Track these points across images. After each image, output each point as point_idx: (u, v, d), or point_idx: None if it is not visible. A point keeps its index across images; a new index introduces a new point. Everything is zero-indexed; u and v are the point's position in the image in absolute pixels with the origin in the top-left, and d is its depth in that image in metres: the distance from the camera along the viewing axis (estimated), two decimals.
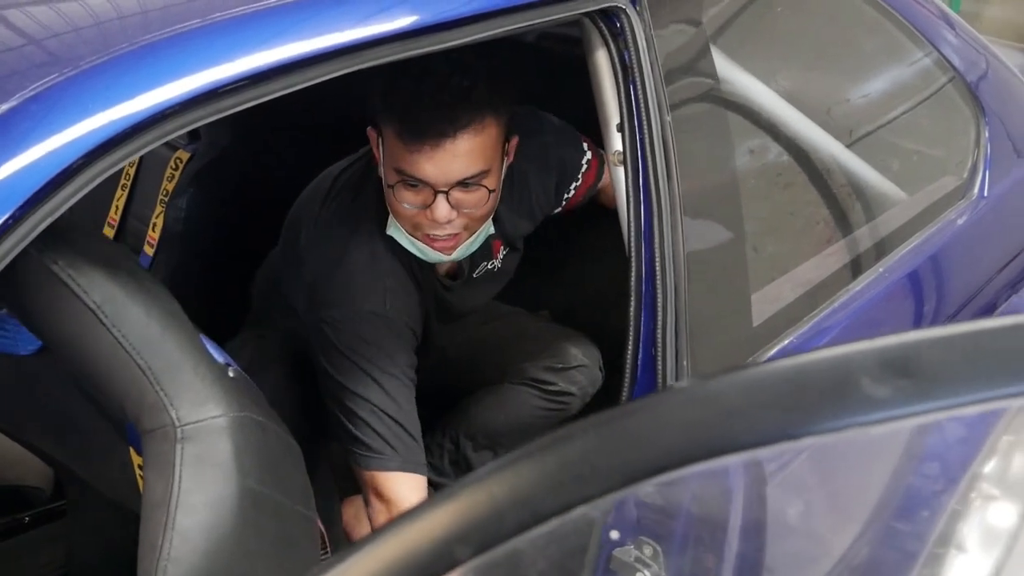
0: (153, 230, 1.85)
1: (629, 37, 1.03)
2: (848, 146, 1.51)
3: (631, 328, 1.04)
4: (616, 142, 1.08)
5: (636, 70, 1.03)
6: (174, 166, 1.86)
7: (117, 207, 1.98)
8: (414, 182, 1.16)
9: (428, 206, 1.17)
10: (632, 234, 1.04)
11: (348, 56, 0.87)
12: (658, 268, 1.02)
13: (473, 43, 0.97)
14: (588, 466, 0.36)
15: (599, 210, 1.49)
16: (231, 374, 0.84)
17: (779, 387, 0.36)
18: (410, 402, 1.28)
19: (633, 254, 1.04)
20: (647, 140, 1.03)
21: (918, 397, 0.34)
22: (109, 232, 1.98)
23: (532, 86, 1.69)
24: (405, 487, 1.26)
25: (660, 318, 1.02)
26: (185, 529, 0.74)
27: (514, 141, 1.26)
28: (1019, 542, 1.98)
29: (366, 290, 1.26)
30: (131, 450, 0.92)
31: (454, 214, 1.18)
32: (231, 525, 0.75)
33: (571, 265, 1.74)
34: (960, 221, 1.51)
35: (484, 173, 1.17)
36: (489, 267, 1.43)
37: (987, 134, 1.58)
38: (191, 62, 0.79)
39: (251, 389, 0.87)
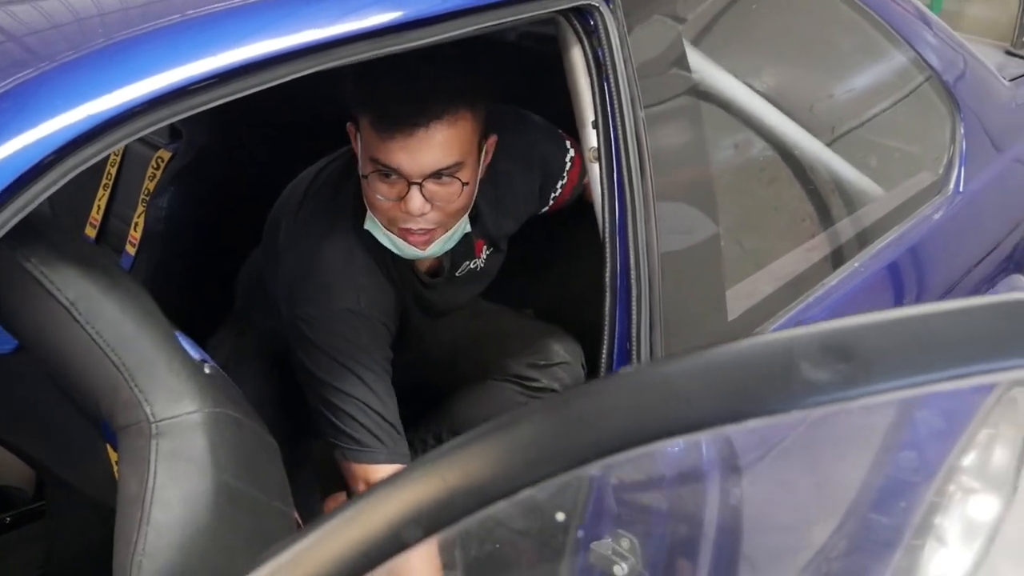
0: (135, 230, 1.85)
1: (603, 35, 1.04)
2: (828, 144, 1.53)
3: (606, 323, 1.05)
4: (592, 139, 1.09)
5: (609, 67, 1.04)
6: (155, 165, 1.86)
7: (99, 207, 1.98)
8: (388, 172, 1.17)
9: (402, 198, 1.18)
10: (607, 230, 1.05)
11: (321, 54, 0.87)
12: (632, 263, 1.03)
13: (448, 41, 0.97)
14: (536, 449, 0.37)
15: (583, 208, 1.50)
16: (207, 371, 0.84)
17: (722, 372, 0.37)
18: (390, 395, 1.29)
19: (608, 249, 1.05)
20: (621, 136, 1.04)
21: (857, 381, 0.35)
22: (91, 232, 1.98)
23: (515, 85, 1.70)
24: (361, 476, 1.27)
25: (634, 313, 1.03)
26: (160, 524, 0.74)
27: (492, 140, 1.26)
28: (1000, 534, 2.00)
29: (340, 288, 1.26)
30: (108, 447, 0.93)
31: (428, 207, 1.18)
32: (206, 520, 0.76)
33: (555, 263, 1.75)
34: (936, 216, 1.52)
35: (458, 165, 1.17)
36: (472, 266, 1.43)
37: (962, 131, 1.60)
38: (162, 59, 0.79)
39: (227, 386, 0.87)
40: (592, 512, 1.02)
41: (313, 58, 0.86)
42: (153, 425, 0.77)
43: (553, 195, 1.46)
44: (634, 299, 1.03)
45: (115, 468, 0.87)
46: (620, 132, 1.04)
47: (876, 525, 1.54)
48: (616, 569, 1.01)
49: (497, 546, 1.21)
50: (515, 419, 0.39)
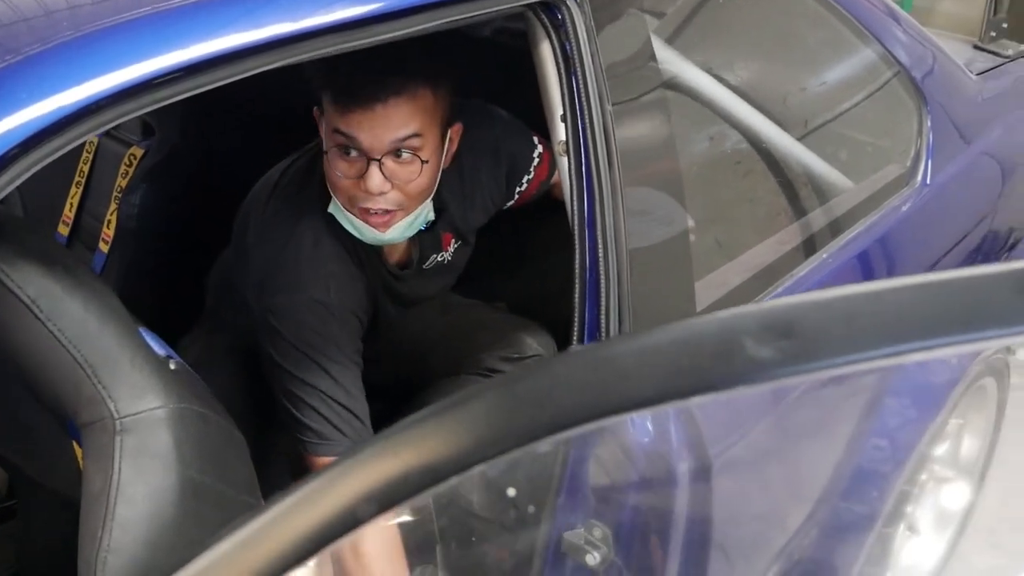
0: (108, 227, 1.84)
1: (570, 29, 1.05)
2: (800, 138, 1.54)
3: (576, 314, 1.06)
4: (561, 132, 1.10)
5: (577, 61, 1.05)
6: (128, 162, 1.85)
7: (72, 204, 1.96)
8: (348, 148, 1.17)
9: (362, 176, 1.17)
10: (576, 222, 1.06)
11: (288, 47, 0.87)
12: (601, 255, 1.04)
13: (415, 35, 0.98)
14: (488, 426, 0.38)
15: (555, 203, 1.51)
16: (172, 366, 0.84)
17: (668, 350, 0.38)
18: (357, 387, 1.29)
19: (577, 242, 1.06)
20: (589, 130, 1.05)
21: (799, 357, 0.36)
22: (64, 230, 1.97)
23: (490, 81, 1.70)
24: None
25: (603, 304, 1.04)
26: (125, 520, 0.74)
27: (457, 127, 1.27)
28: (971, 522, 2.03)
29: (309, 277, 1.26)
30: (74, 444, 0.92)
31: (387, 185, 1.18)
32: (172, 515, 0.76)
33: (527, 257, 1.76)
34: (904, 208, 1.54)
35: (417, 137, 1.17)
36: (440, 259, 1.43)
37: (929, 124, 1.62)
38: (126, 52, 0.79)
39: (193, 381, 0.87)
40: (564, 501, 1.02)
41: (280, 52, 0.86)
42: (117, 422, 0.77)
43: (518, 189, 1.47)
44: (603, 290, 1.03)
45: (82, 465, 0.86)
46: (588, 125, 1.05)
47: (848, 514, 1.56)
48: (588, 558, 1.02)
49: (473, 539, 1.22)
50: (467, 397, 0.39)
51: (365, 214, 1.21)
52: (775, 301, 0.36)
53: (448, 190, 1.33)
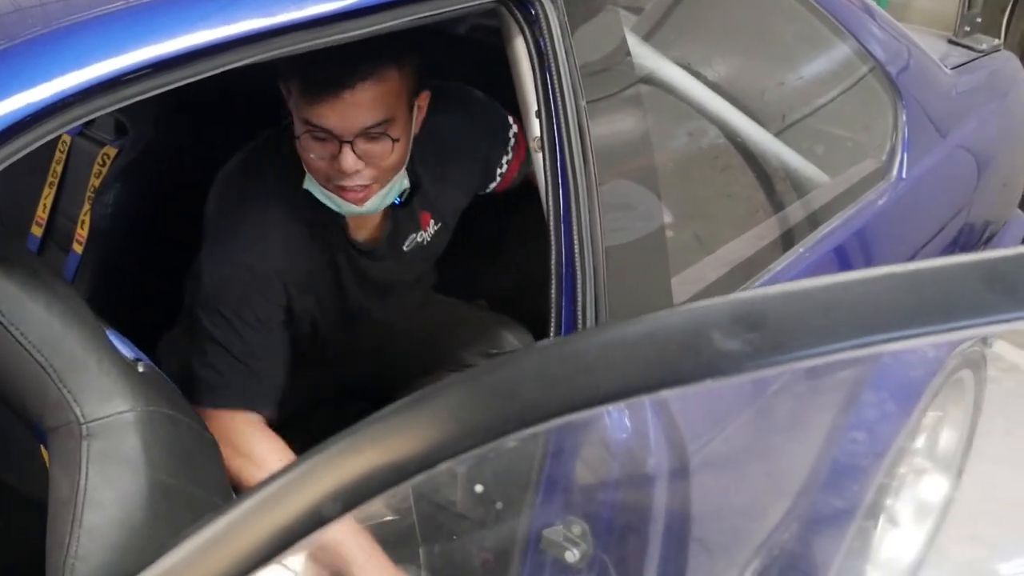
0: (81, 228, 1.81)
1: (544, 24, 1.04)
2: (777, 133, 1.54)
3: (552, 310, 1.06)
4: (536, 128, 1.09)
5: (551, 57, 1.04)
6: (101, 162, 1.83)
7: (45, 205, 1.93)
8: (320, 134, 1.19)
9: (335, 157, 1.19)
10: (551, 218, 1.06)
11: (257, 44, 0.86)
12: (577, 250, 1.03)
13: (389, 31, 0.97)
14: (454, 422, 0.37)
15: (534, 199, 1.50)
16: (141, 369, 0.83)
17: (636, 343, 0.37)
18: (267, 350, 1.27)
19: (553, 237, 1.05)
20: (563, 125, 1.04)
21: (767, 350, 0.35)
22: (38, 231, 1.94)
23: (466, 78, 1.69)
24: (241, 424, 1.22)
25: (580, 299, 1.03)
26: (93, 526, 0.73)
27: (425, 95, 1.28)
28: (950, 514, 2.04)
29: (247, 240, 1.26)
30: (42, 448, 0.91)
31: (361, 164, 1.20)
32: (141, 519, 0.74)
33: (507, 253, 1.75)
34: (881, 201, 1.55)
35: (387, 122, 1.19)
36: (419, 240, 1.43)
37: (905, 118, 1.62)
38: (96, 48, 0.78)
39: (163, 384, 0.86)
40: (540, 498, 1.02)
41: (252, 48, 0.85)
42: (84, 426, 0.75)
43: (500, 171, 1.47)
44: (579, 286, 1.03)
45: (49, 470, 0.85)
46: (563, 121, 1.04)
47: (828, 507, 1.57)
48: (568, 555, 1.02)
49: (454, 538, 1.21)
50: (432, 393, 0.39)
51: (342, 191, 1.23)
52: (744, 293, 0.36)
53: (422, 165, 1.34)
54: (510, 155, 1.46)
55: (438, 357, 1.54)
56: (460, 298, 1.67)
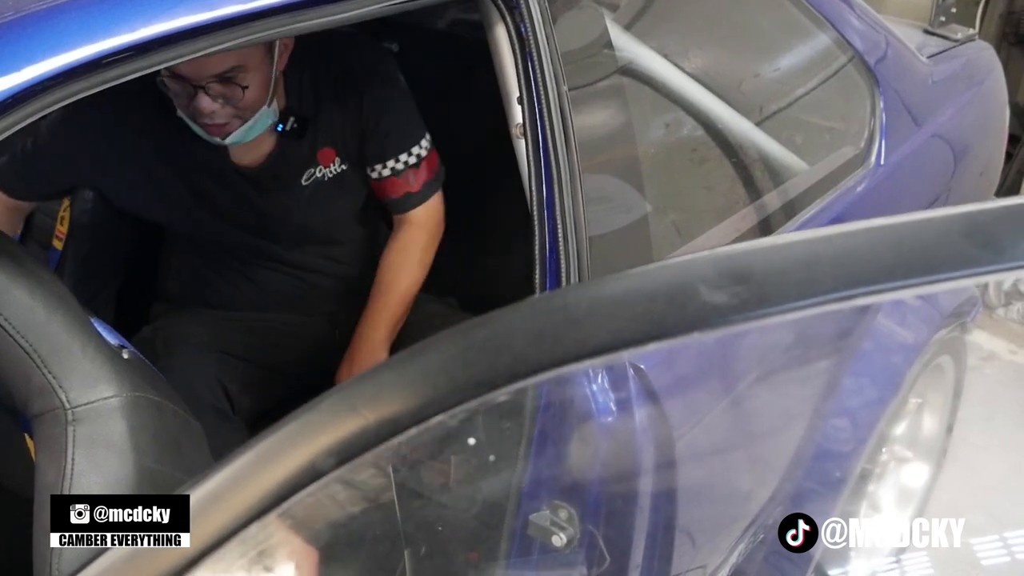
0: (61, 224, 1.80)
1: (525, 11, 1.05)
2: (757, 123, 1.55)
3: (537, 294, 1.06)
4: (518, 115, 1.09)
5: (532, 42, 1.04)
6: None
7: None
8: (175, 79, 1.27)
9: (192, 98, 1.28)
10: (535, 204, 1.06)
11: (236, 28, 0.86)
12: (560, 236, 1.03)
13: (371, 16, 0.97)
14: (445, 376, 0.37)
15: (512, 195, 1.50)
16: (125, 355, 0.82)
17: (624, 296, 0.37)
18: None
19: (536, 223, 1.05)
20: (545, 111, 1.05)
21: (754, 302, 0.35)
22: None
23: (447, 71, 1.69)
24: None
25: (563, 284, 1.04)
26: None
27: (288, 42, 1.33)
28: (931, 500, 2.06)
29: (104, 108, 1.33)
30: (27, 438, 0.90)
31: (216, 105, 1.28)
32: None
33: (480, 252, 1.75)
34: (859, 188, 1.56)
35: (238, 68, 1.27)
36: (317, 174, 1.46)
37: (882, 105, 1.64)
38: (73, 32, 0.77)
39: (147, 370, 0.85)
40: (528, 484, 1.02)
41: (231, 31, 0.85)
42: (69, 412, 0.75)
43: (379, 169, 1.48)
44: (563, 271, 1.03)
45: (34, 458, 0.84)
46: (544, 107, 1.05)
47: (811, 494, 1.58)
48: (555, 539, 1.02)
49: (440, 528, 1.21)
50: (423, 348, 0.39)
51: (205, 126, 1.32)
52: (729, 247, 0.36)
53: (303, 102, 1.40)
54: (400, 164, 1.48)
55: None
56: (431, 295, 1.67)
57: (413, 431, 0.36)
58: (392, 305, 1.48)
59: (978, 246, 0.34)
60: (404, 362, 0.38)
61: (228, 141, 1.34)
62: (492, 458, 0.94)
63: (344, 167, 1.46)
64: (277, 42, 1.30)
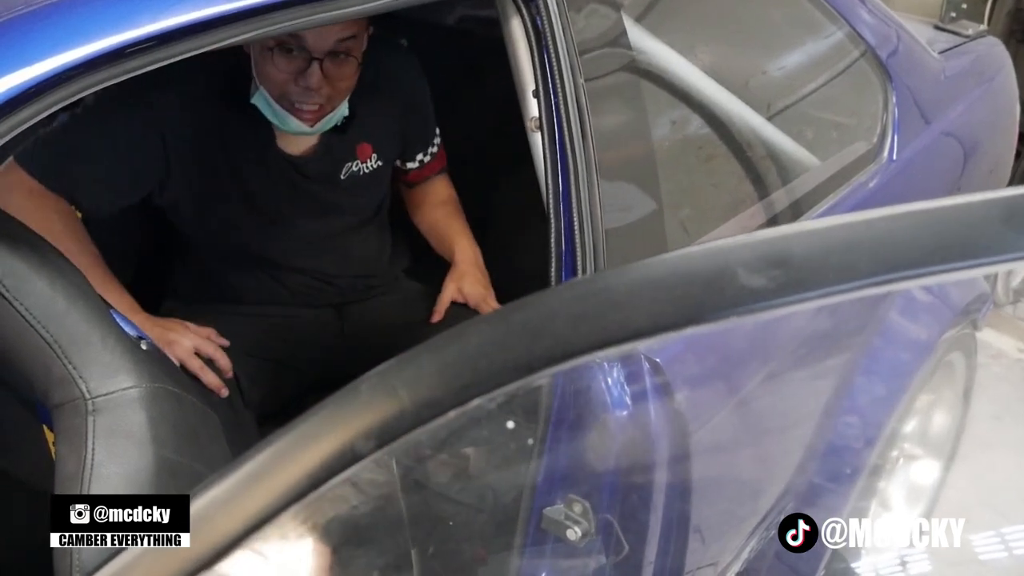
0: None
1: (541, 3, 1.04)
2: (768, 118, 1.55)
3: (553, 286, 1.06)
4: (533, 108, 1.09)
5: (549, 35, 1.04)
6: None
7: None
8: (291, 46, 1.25)
9: (302, 72, 1.26)
10: (551, 197, 1.06)
11: (259, 18, 0.86)
12: (576, 228, 1.03)
13: (388, 9, 0.97)
14: (484, 359, 0.37)
15: (519, 193, 1.50)
16: (144, 347, 0.82)
17: (663, 280, 0.37)
18: (103, 160, 1.33)
19: (552, 216, 1.05)
20: (562, 104, 1.04)
21: (792, 286, 0.35)
22: None
23: (453, 70, 1.69)
24: (16, 179, 1.30)
25: (580, 276, 1.03)
26: None
27: (367, 23, 1.34)
28: (942, 497, 2.05)
29: (162, 89, 1.30)
30: (45, 429, 0.90)
31: (324, 82, 1.28)
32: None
33: (493, 246, 1.75)
34: (872, 183, 1.56)
35: (353, 38, 1.28)
36: (355, 169, 1.49)
37: (895, 100, 1.64)
38: (96, 21, 0.77)
39: (165, 361, 0.86)
40: (544, 476, 1.02)
41: (253, 21, 0.85)
42: (89, 402, 0.75)
43: (420, 158, 1.58)
44: (579, 264, 1.03)
45: (52, 450, 0.84)
46: (561, 99, 1.04)
47: (821, 491, 1.58)
48: (569, 533, 1.02)
49: (451, 524, 1.21)
50: (461, 331, 0.39)
51: (295, 109, 1.30)
52: (768, 231, 0.36)
53: (356, 94, 1.40)
54: (427, 156, 1.57)
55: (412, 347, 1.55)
56: (435, 289, 1.67)
57: (452, 414, 0.36)
58: (464, 219, 1.59)
59: (1017, 231, 0.34)
60: (443, 345, 0.38)
61: (315, 128, 1.33)
62: (530, 441, 0.94)
63: (380, 163, 1.51)
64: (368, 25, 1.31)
